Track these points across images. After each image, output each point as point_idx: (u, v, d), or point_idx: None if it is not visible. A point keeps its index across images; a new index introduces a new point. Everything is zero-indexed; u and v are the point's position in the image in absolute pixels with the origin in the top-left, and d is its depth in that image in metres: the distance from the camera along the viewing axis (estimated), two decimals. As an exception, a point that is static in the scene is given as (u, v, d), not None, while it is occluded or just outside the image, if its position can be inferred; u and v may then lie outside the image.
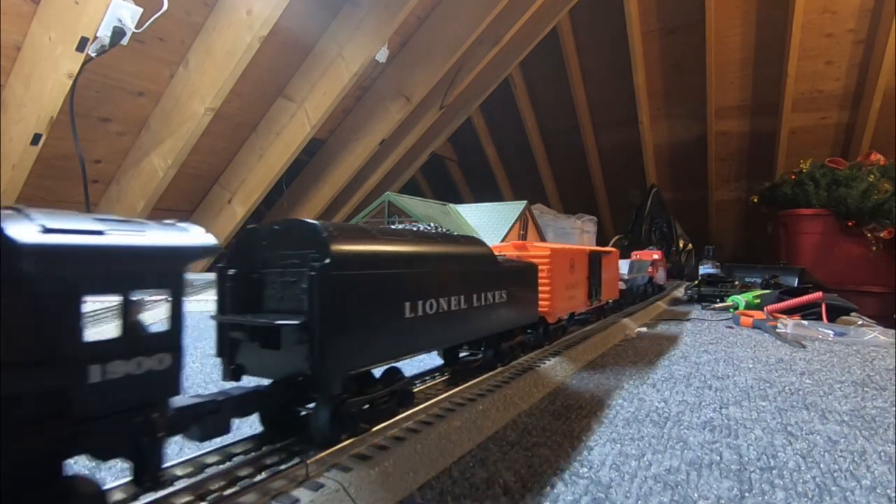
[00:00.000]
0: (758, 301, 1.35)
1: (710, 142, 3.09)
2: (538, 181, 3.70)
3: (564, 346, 0.76)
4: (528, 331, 0.69)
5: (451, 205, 1.55)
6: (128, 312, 0.24)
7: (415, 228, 0.48)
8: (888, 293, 2.30)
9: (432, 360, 0.63)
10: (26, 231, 0.20)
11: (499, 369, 0.59)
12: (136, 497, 0.28)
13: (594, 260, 0.89)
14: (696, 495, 0.37)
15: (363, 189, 2.69)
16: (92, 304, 0.22)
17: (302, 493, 0.30)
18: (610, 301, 1.03)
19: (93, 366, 0.22)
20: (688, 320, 1.26)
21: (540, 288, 0.67)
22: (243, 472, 0.32)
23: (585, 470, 0.41)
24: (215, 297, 0.36)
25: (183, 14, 1.56)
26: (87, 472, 0.31)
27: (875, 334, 1.00)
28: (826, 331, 1.03)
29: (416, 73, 2.23)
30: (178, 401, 0.28)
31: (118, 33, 1.35)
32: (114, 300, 0.23)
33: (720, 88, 2.91)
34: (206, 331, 0.45)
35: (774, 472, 0.41)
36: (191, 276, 0.78)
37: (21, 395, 0.20)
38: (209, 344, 0.38)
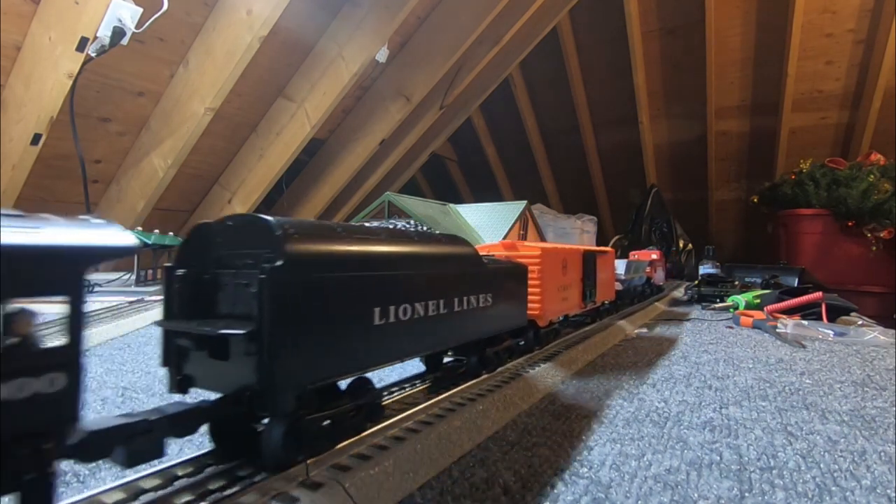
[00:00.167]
0: (758, 301, 1.35)
1: (710, 142, 3.09)
2: (538, 181, 3.71)
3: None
4: (518, 335, 0.66)
5: (451, 205, 1.55)
6: (10, 323, 0.20)
7: (391, 226, 0.44)
8: (888, 293, 2.30)
9: (416, 366, 0.61)
10: None
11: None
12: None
13: (589, 260, 0.86)
14: (696, 495, 0.37)
15: (363, 189, 2.69)
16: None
17: (302, 493, 0.30)
18: (606, 302, 1.01)
19: None
20: (688, 320, 1.26)
21: (530, 290, 0.64)
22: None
23: (585, 470, 0.41)
24: (162, 300, 0.33)
25: (183, 14, 1.56)
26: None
27: (875, 334, 1.00)
28: (826, 331, 1.03)
29: (416, 73, 2.23)
30: (101, 421, 0.25)
31: (118, 33, 1.35)
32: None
33: (720, 88, 2.91)
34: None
35: (774, 472, 0.41)
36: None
37: None
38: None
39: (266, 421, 0.32)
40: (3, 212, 0.20)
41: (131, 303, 1.14)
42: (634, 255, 1.60)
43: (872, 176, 2.30)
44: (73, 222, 0.23)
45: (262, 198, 2.20)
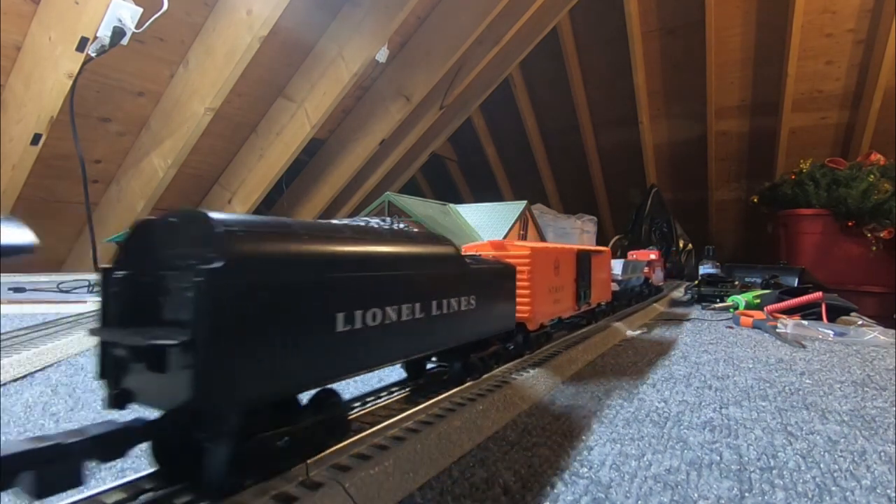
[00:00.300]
0: (758, 301, 1.35)
1: (710, 142, 3.09)
2: (538, 181, 3.71)
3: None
4: (507, 339, 0.63)
5: (451, 205, 1.55)
6: None
7: (363, 224, 0.39)
8: (888, 293, 2.30)
9: (396, 372, 0.59)
10: None
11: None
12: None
13: (583, 260, 0.84)
14: (696, 495, 0.37)
15: (363, 189, 2.69)
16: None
17: (302, 493, 0.30)
18: (602, 304, 0.99)
19: None
20: (688, 320, 1.26)
21: (519, 291, 0.61)
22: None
23: (585, 470, 0.41)
24: (98, 305, 0.30)
25: (183, 14, 1.56)
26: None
27: (875, 334, 1.00)
28: (826, 331, 1.03)
29: (416, 73, 2.23)
30: (5, 445, 0.23)
31: (118, 33, 1.35)
32: None
33: (720, 88, 2.91)
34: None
35: (774, 472, 0.41)
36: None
37: None
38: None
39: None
40: None
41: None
42: (632, 255, 1.59)
43: (872, 176, 2.30)
44: None
45: (262, 198, 2.20)
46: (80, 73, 1.36)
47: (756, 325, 1.12)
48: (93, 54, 1.36)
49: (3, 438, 0.47)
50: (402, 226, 0.43)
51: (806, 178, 2.45)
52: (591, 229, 2.63)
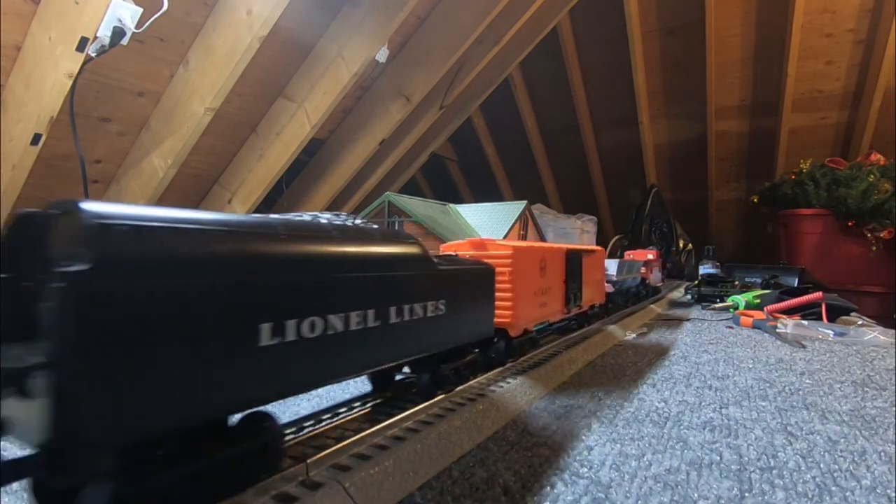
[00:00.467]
0: (758, 301, 1.35)
1: (710, 142, 3.09)
2: (538, 181, 3.71)
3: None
4: (486, 347, 0.59)
5: (451, 205, 1.55)
6: None
7: (307, 219, 0.38)
8: (888, 293, 2.30)
9: (362, 383, 0.55)
10: None
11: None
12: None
13: (573, 260, 0.79)
14: (696, 495, 0.37)
15: (363, 189, 2.69)
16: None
17: (302, 493, 0.30)
18: (595, 306, 0.95)
19: None
20: (688, 320, 1.26)
21: (500, 294, 0.57)
22: None
23: (585, 470, 0.40)
24: None
25: (183, 14, 1.56)
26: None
27: (875, 334, 1.00)
28: (826, 331, 1.03)
29: (416, 73, 2.23)
30: None
31: (118, 33, 1.35)
32: None
33: (720, 88, 2.91)
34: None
35: (774, 472, 0.41)
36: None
37: None
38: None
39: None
40: None
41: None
42: (629, 254, 1.58)
43: (872, 176, 2.30)
44: None
45: (262, 198, 2.20)
46: (80, 73, 1.36)
47: (756, 325, 1.12)
48: (93, 54, 1.36)
49: None
50: (358, 222, 0.38)
51: (806, 178, 2.46)
52: (591, 229, 2.63)
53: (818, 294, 1.22)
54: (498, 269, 0.57)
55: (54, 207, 0.24)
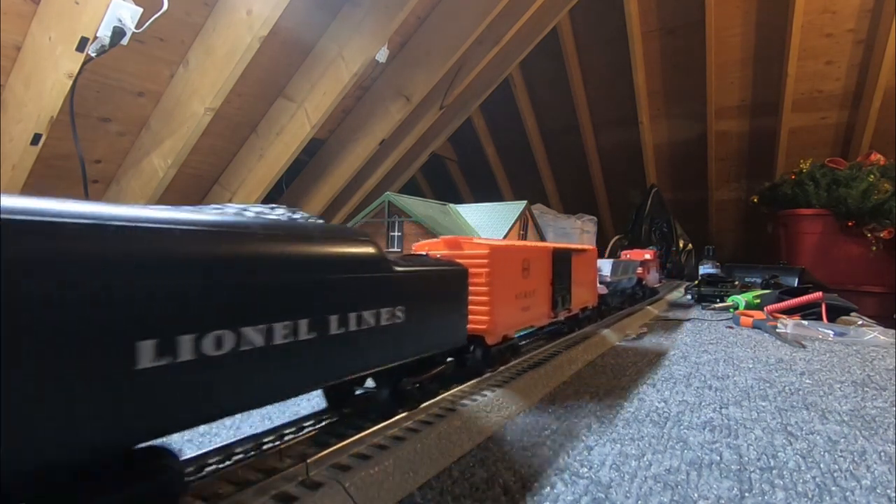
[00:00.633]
0: (758, 301, 1.35)
1: (710, 142, 3.09)
2: (538, 181, 3.71)
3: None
4: (460, 357, 0.54)
5: (451, 205, 1.55)
6: None
7: (217, 211, 0.34)
8: (888, 293, 2.31)
9: (317, 399, 0.51)
10: None
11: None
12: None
13: (561, 260, 0.74)
14: (696, 495, 0.37)
15: (363, 189, 2.69)
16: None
17: (302, 493, 0.30)
18: (588, 308, 0.90)
19: None
20: (688, 320, 1.26)
21: (475, 298, 0.52)
22: None
23: (585, 470, 0.40)
24: None
25: (183, 14, 1.56)
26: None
27: (875, 334, 1.00)
28: (826, 331, 1.03)
29: (416, 73, 2.23)
30: None
31: (118, 33, 1.35)
32: None
33: (720, 88, 2.91)
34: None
35: (774, 472, 0.41)
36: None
37: None
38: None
39: None
40: None
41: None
42: (625, 254, 1.55)
43: (872, 176, 2.30)
44: None
45: (262, 198, 2.20)
46: (80, 73, 1.36)
47: (756, 325, 1.12)
48: (93, 54, 1.36)
49: None
50: (297, 216, 0.33)
51: (806, 178, 2.46)
52: (591, 229, 2.63)
53: (818, 294, 1.22)
54: (473, 271, 0.52)
55: None
